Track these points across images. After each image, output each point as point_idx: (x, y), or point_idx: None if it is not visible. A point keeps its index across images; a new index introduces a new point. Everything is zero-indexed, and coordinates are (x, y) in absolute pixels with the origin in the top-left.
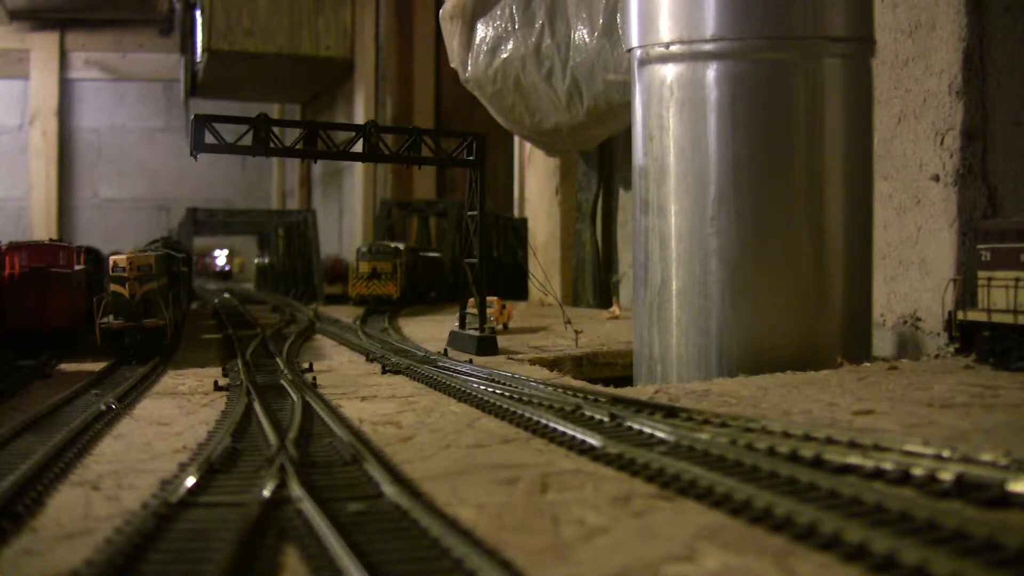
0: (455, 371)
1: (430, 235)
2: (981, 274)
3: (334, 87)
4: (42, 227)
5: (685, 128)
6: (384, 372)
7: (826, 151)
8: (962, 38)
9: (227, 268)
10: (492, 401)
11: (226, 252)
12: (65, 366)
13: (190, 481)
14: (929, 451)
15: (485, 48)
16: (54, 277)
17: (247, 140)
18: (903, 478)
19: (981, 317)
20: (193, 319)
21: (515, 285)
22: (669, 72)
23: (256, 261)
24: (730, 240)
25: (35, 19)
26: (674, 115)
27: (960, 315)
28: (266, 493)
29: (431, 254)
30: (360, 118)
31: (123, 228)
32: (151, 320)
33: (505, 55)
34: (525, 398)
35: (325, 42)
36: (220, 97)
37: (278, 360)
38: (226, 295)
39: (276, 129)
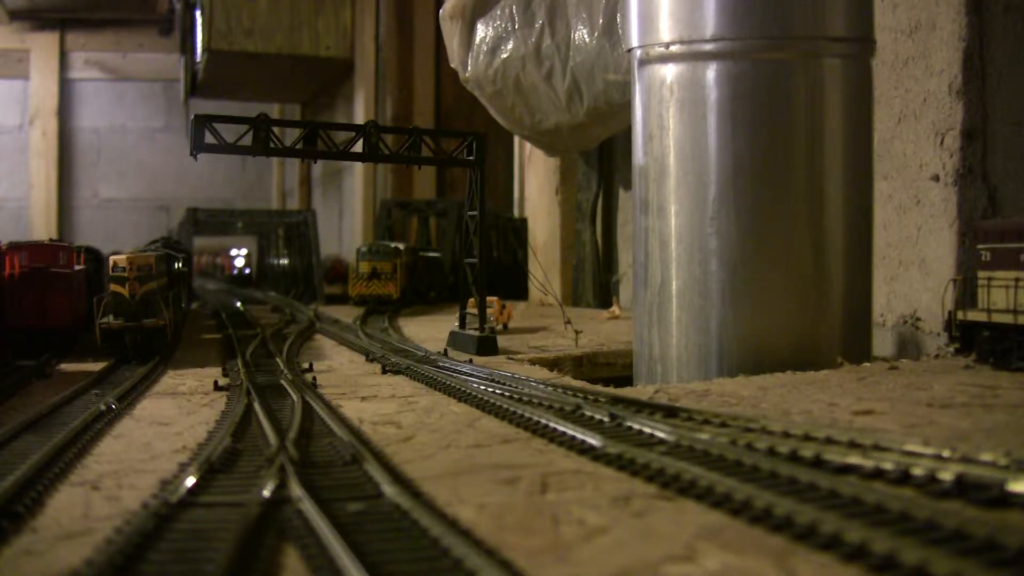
0: (455, 371)
1: (430, 235)
2: (981, 274)
3: (334, 87)
4: (42, 227)
5: (685, 128)
6: (384, 372)
7: (826, 151)
8: (962, 38)
9: (247, 271)
10: (492, 401)
11: (245, 252)
12: (65, 366)
13: (190, 481)
14: (929, 451)
15: (485, 48)
16: (54, 277)
17: (247, 140)
18: (903, 478)
19: (981, 317)
20: (193, 319)
21: (515, 285)
22: (669, 72)
23: (279, 262)
24: (730, 240)
25: (35, 19)
26: (674, 115)
27: (960, 315)
28: (266, 493)
29: (431, 254)
30: (360, 118)
31: (123, 228)
32: (151, 320)
33: (505, 55)
34: (525, 398)
35: (325, 42)
36: (220, 97)
37: (278, 360)
38: (238, 304)
39: (276, 129)
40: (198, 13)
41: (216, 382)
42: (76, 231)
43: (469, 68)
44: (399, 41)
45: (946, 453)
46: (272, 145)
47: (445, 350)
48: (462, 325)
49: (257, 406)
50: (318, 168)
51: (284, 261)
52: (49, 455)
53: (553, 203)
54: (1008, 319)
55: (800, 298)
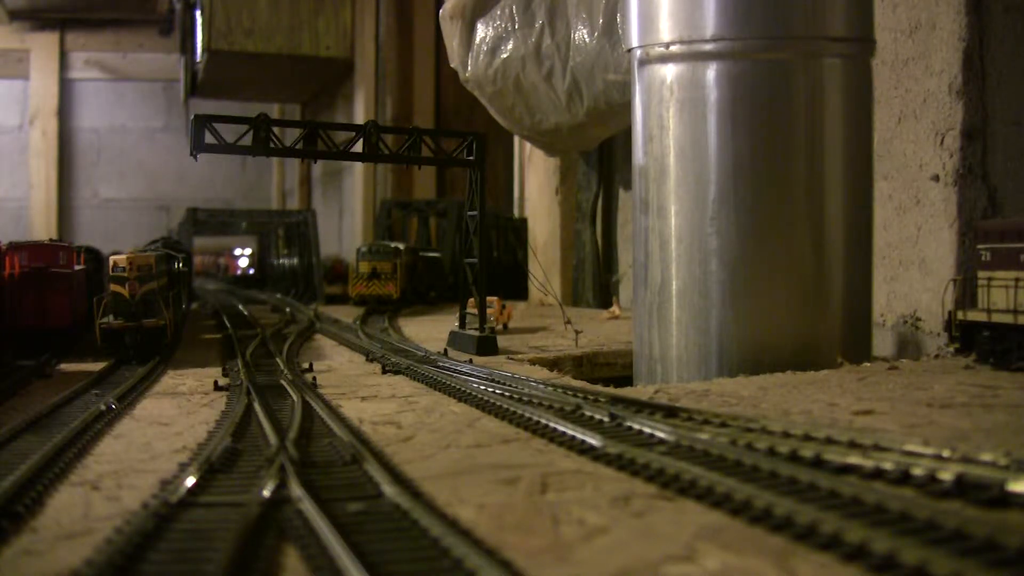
0: (455, 371)
1: (430, 235)
2: (981, 274)
3: (334, 87)
4: (42, 227)
5: (685, 128)
6: (384, 372)
7: (826, 151)
8: (962, 38)
9: (251, 271)
10: (492, 401)
11: (249, 251)
12: (65, 366)
13: (190, 481)
14: (929, 451)
15: (485, 48)
16: (54, 277)
17: (247, 140)
18: (903, 478)
19: (981, 317)
20: (193, 319)
21: (515, 285)
22: (669, 72)
23: (279, 262)
24: (730, 240)
25: (35, 19)
26: (674, 115)
27: (960, 315)
28: (266, 493)
29: (431, 254)
30: (360, 118)
31: (123, 228)
32: (151, 320)
33: (505, 55)
34: (525, 398)
35: (325, 42)
36: (220, 97)
37: (278, 360)
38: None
39: (276, 129)
40: (198, 13)
41: (216, 382)
42: (76, 231)
43: (469, 68)
44: (399, 41)
45: (946, 453)
46: (272, 145)
47: (445, 350)
48: (462, 325)
49: (257, 406)
50: (318, 168)
51: (284, 261)
52: (49, 455)
53: (553, 203)
54: (1008, 319)
55: (800, 298)
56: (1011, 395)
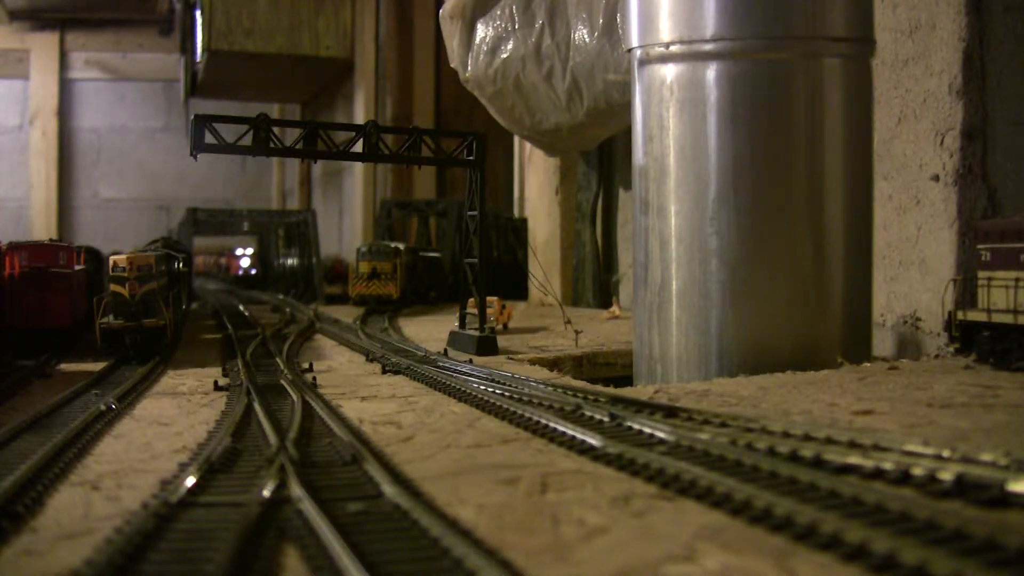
0: (455, 371)
1: (430, 235)
2: (981, 274)
3: (334, 87)
4: (42, 227)
5: (685, 128)
6: (384, 372)
7: (826, 151)
8: (962, 38)
9: (253, 272)
10: (492, 401)
11: (251, 251)
12: (65, 366)
13: (190, 481)
14: (929, 451)
15: (485, 48)
16: (54, 277)
17: (247, 140)
18: (903, 478)
19: (981, 317)
20: (193, 319)
21: (515, 285)
22: (669, 72)
23: (279, 262)
24: (730, 240)
25: (35, 19)
26: (674, 115)
27: (960, 315)
28: (266, 493)
29: (431, 254)
30: (360, 118)
31: (123, 228)
32: (151, 320)
33: (505, 55)
34: (525, 398)
35: (325, 42)
36: (220, 97)
37: (278, 360)
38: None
39: (276, 129)
40: (198, 13)
41: (216, 382)
42: (76, 231)
43: (469, 68)
44: (399, 41)
45: (946, 453)
46: (272, 145)
47: (445, 350)
48: (462, 325)
49: (257, 406)
50: (318, 168)
51: (284, 261)
52: (49, 455)
53: (553, 203)
54: (1008, 319)
55: (800, 298)
56: (1011, 395)
